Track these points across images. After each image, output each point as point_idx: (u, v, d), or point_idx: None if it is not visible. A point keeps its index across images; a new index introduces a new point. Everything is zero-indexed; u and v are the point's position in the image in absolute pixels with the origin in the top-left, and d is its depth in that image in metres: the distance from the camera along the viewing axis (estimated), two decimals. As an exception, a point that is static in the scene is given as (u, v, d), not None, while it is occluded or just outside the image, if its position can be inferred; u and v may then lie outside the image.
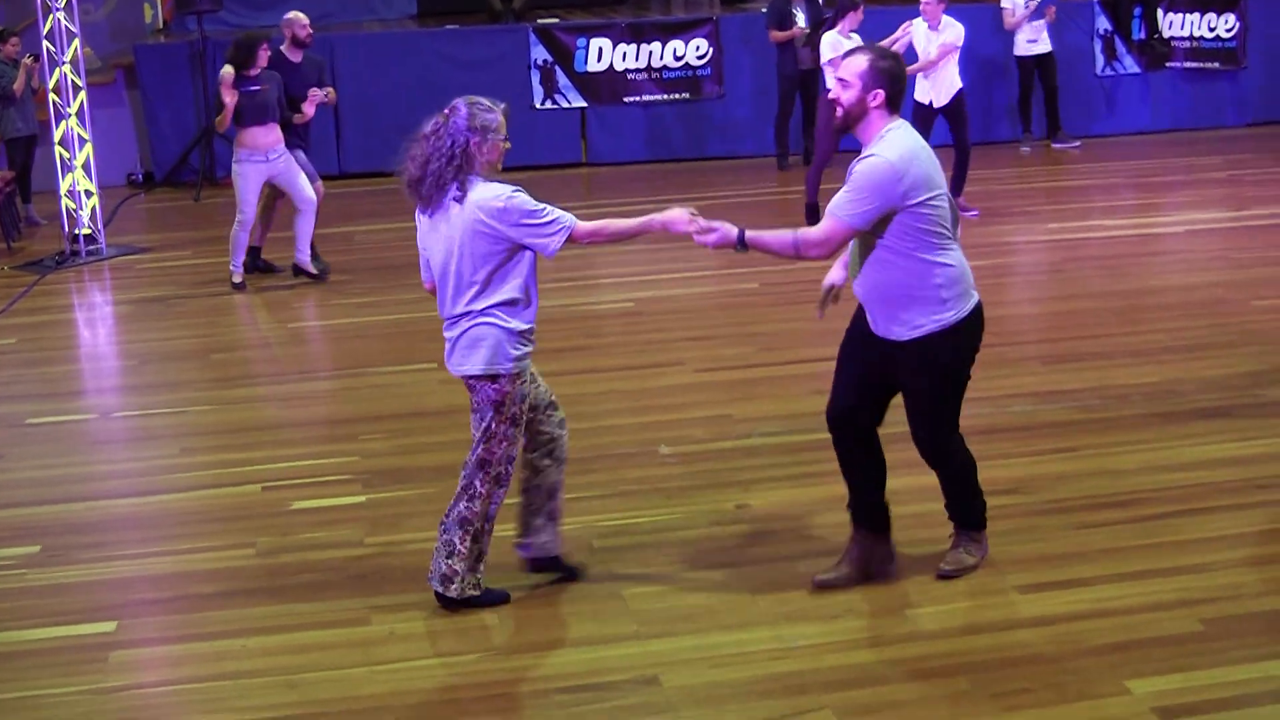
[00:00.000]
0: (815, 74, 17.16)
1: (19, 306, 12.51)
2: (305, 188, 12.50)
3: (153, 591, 6.89)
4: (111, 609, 6.69)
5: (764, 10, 17.39)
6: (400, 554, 7.15)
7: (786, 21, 16.86)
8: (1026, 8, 17.41)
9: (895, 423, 6.64)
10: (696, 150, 18.29)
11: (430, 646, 6.22)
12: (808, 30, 16.79)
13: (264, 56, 12.36)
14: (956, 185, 14.47)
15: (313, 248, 12.82)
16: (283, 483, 8.15)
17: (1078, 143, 18.30)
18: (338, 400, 9.65)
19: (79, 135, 14.39)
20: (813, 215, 13.78)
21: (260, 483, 8.16)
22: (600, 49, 18.10)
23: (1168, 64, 19.22)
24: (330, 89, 12.94)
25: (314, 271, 12.75)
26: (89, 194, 14.35)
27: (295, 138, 12.70)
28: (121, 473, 8.50)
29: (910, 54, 13.79)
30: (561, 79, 18.09)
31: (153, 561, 7.22)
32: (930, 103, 14.22)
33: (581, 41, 18.09)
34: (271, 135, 12.37)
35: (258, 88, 12.30)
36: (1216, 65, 19.27)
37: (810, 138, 17.38)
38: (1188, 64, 19.31)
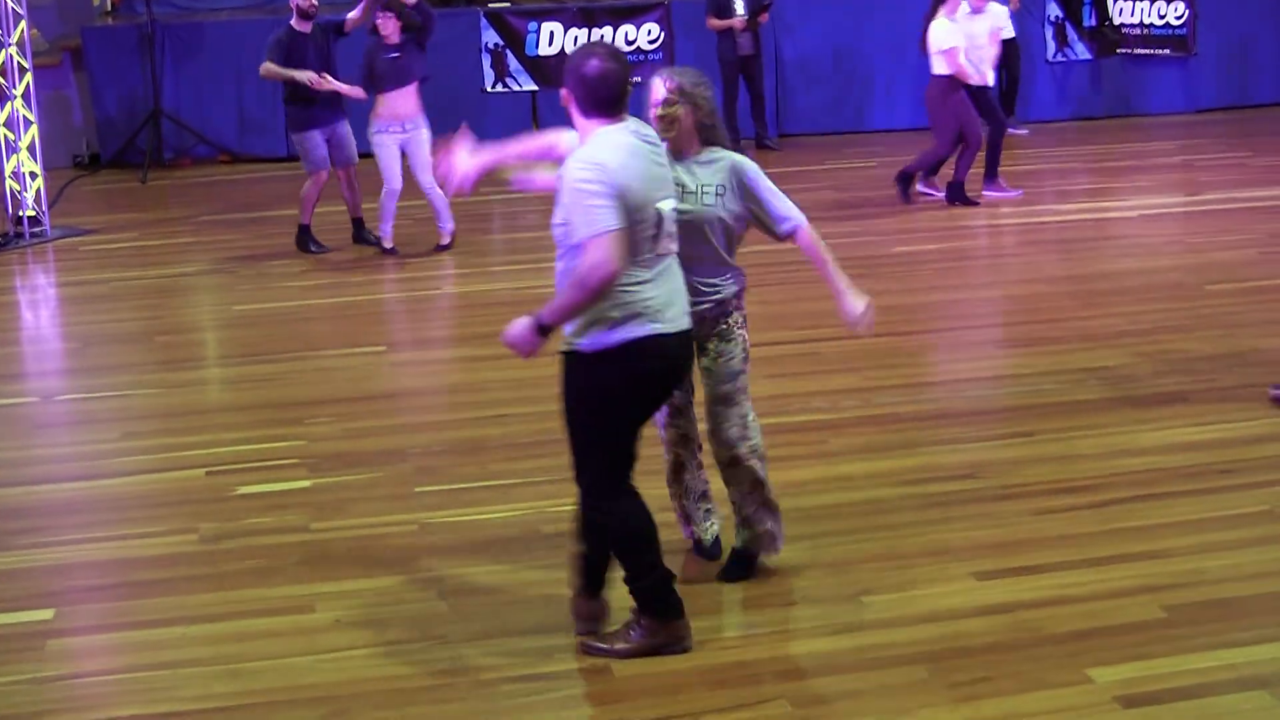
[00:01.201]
0: (756, 59, 17.12)
1: (-40, 289, 12.35)
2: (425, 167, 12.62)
3: (93, 578, 6.75)
4: (50, 596, 6.53)
5: None
6: (346, 540, 7.03)
7: (726, 10, 16.85)
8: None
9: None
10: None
11: (376, 635, 6.09)
12: (746, 18, 16.76)
13: (392, 25, 12.46)
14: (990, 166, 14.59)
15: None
16: (227, 467, 8.01)
17: (1026, 129, 18.34)
18: (284, 384, 9.51)
19: (24, 117, 14.20)
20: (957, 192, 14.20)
21: (204, 467, 8.01)
22: (551, 32, 17.99)
23: (1118, 50, 19.26)
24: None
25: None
26: (34, 176, 14.16)
27: (300, 112, 12.67)
28: (62, 457, 8.34)
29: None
30: (512, 62, 17.98)
31: (93, 547, 7.07)
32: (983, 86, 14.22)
33: (533, 25, 17.99)
34: (409, 104, 12.50)
35: (396, 54, 12.42)
36: (1167, 52, 19.32)
37: (761, 122, 17.36)
38: (1138, 50, 19.34)
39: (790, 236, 6.25)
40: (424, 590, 6.48)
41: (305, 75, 12.44)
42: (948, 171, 14.26)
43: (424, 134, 12.54)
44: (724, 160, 6.15)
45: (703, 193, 6.09)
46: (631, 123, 5.65)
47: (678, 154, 6.11)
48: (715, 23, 16.94)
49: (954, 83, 13.80)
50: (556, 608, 6.22)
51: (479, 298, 11.40)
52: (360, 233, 13.22)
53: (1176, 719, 5.31)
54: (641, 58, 18.08)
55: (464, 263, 12.52)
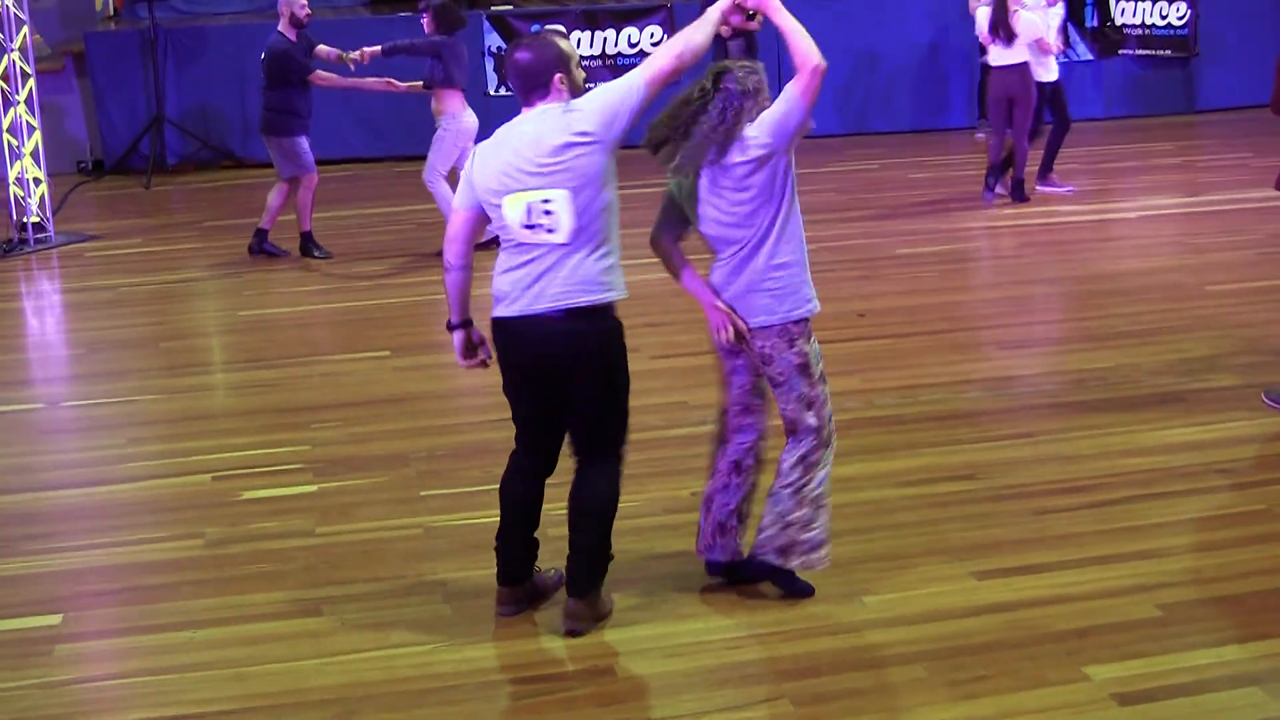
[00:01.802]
0: None
1: (-34, 296, 12.39)
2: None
3: (100, 583, 6.79)
4: (57, 601, 6.58)
5: None
6: (352, 544, 7.08)
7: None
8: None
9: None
10: (652, 137, 18.19)
11: (382, 638, 6.14)
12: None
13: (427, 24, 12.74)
14: (1048, 161, 14.75)
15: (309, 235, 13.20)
16: (233, 472, 8.05)
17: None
18: (289, 389, 9.56)
19: (28, 123, 14.24)
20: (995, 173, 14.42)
21: (210, 472, 8.06)
22: (554, 36, 18.00)
23: (1120, 51, 19.26)
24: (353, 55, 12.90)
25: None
26: (38, 182, 14.20)
27: (298, 119, 12.74)
28: (69, 463, 8.39)
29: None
30: (515, 66, 18.00)
31: (100, 553, 7.12)
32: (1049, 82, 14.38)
33: (535, 28, 18.00)
34: (435, 104, 12.75)
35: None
36: (1168, 53, 19.33)
37: None
38: (1140, 51, 19.35)
39: None
40: (429, 593, 6.53)
41: (378, 82, 12.99)
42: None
43: (439, 134, 12.70)
44: None
45: None
46: (533, 113, 5.87)
47: None
48: None
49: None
50: (561, 610, 6.26)
51: (483, 301, 11.38)
52: (262, 242, 13.26)
53: (1171, 716, 5.36)
54: (644, 60, 18.09)
55: (467, 266, 12.55)
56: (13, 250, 13.71)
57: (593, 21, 18.10)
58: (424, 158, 12.90)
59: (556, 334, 5.91)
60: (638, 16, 18.27)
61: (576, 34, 17.99)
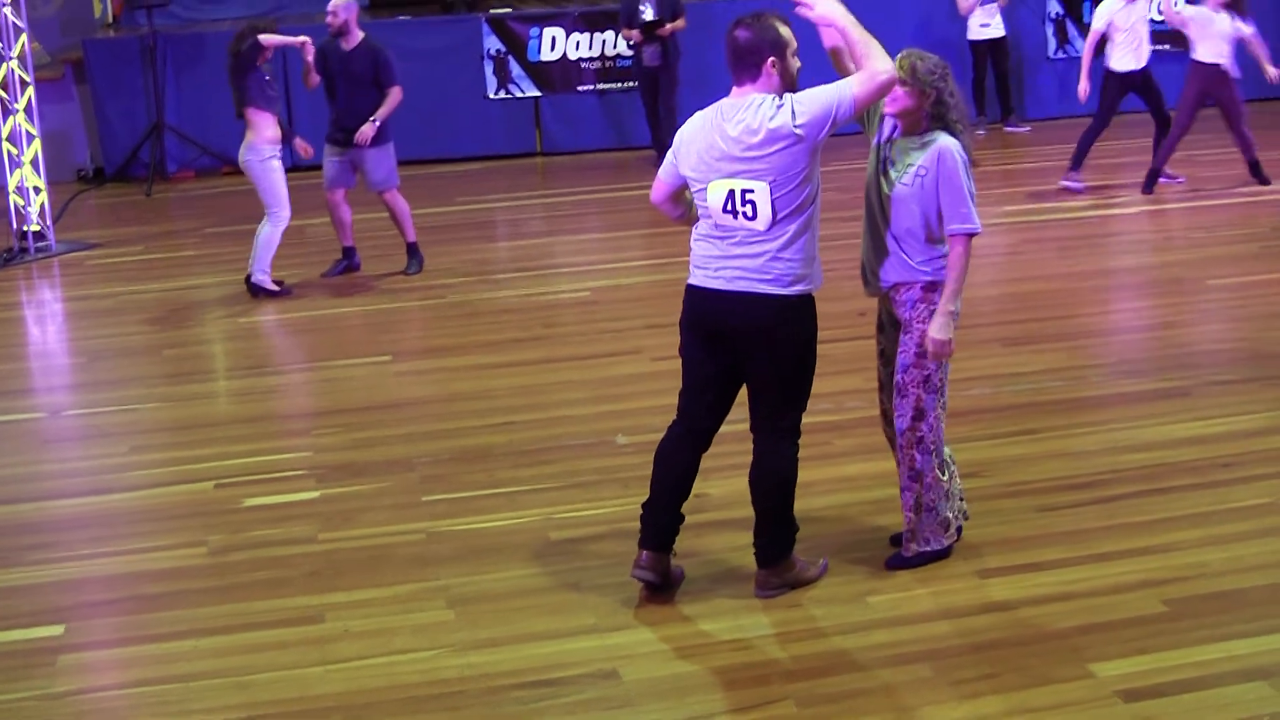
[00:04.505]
0: (666, 72, 16.73)
1: (-33, 306, 12.37)
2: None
3: (102, 593, 6.78)
4: (60, 611, 6.57)
5: None
6: (354, 550, 7.06)
7: (635, 19, 16.66)
8: (980, -9, 17.54)
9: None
10: (651, 139, 18.17)
11: (385, 644, 6.13)
12: (640, 30, 16.47)
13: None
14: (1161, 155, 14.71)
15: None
16: (235, 479, 8.04)
17: (1028, 126, 18.44)
18: (290, 395, 9.56)
19: (27, 131, 14.23)
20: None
21: (212, 480, 8.05)
22: (553, 38, 18.02)
23: (1121, 45, 19.21)
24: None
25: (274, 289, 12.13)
26: (37, 190, 14.19)
27: None
28: (71, 472, 8.37)
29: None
30: (515, 69, 18.00)
31: (102, 562, 7.10)
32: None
33: (534, 31, 18.01)
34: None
35: (268, 78, 12.25)
36: (1167, 48, 19.26)
37: (657, 135, 17.12)
38: (1140, 47, 19.30)
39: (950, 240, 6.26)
40: (433, 599, 6.52)
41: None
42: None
43: (267, 163, 12.38)
44: (935, 143, 6.21)
45: (905, 172, 6.23)
46: (740, 101, 5.96)
47: (907, 132, 6.30)
48: (626, 32, 16.86)
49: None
50: (565, 614, 6.26)
51: (484, 305, 11.43)
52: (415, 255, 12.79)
53: (1178, 711, 5.35)
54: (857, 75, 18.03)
55: (469, 270, 12.55)
56: (13, 259, 13.69)
57: (591, 24, 18.06)
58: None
59: (740, 311, 6.05)
60: (636, 18, 18.23)
61: (575, 36, 17.98)
